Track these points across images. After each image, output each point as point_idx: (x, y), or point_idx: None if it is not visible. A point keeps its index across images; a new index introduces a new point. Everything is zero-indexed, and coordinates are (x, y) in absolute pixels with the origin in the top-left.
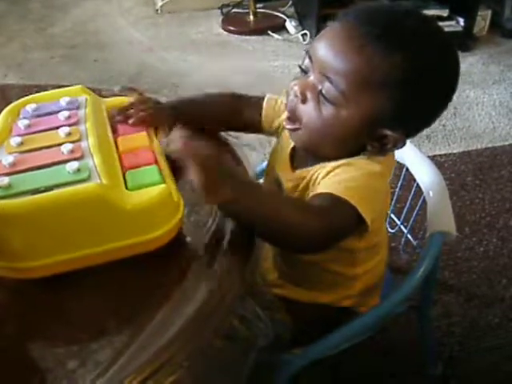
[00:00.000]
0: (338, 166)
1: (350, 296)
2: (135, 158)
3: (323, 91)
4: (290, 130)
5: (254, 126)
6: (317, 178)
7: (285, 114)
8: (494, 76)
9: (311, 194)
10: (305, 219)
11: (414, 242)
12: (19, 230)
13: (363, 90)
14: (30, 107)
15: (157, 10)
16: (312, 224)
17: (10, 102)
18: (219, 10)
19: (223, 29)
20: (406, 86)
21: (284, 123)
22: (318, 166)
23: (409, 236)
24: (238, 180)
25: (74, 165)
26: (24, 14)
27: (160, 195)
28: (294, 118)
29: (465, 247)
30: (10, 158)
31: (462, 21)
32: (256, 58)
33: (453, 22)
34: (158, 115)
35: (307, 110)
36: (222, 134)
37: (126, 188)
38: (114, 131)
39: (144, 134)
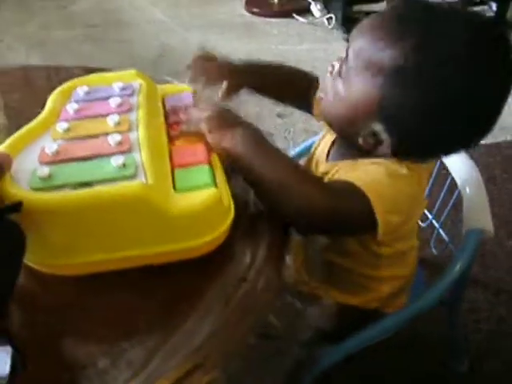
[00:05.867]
0: (362, 163)
1: (378, 298)
2: (187, 155)
3: (341, 66)
4: (318, 100)
5: (307, 107)
6: (338, 172)
7: None
8: None
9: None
10: (314, 191)
11: (446, 238)
12: (56, 226)
13: (365, 71)
14: (81, 90)
15: None
16: (319, 198)
17: (35, 84)
18: None
19: (247, 10)
20: (408, 82)
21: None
22: (341, 162)
23: (441, 231)
24: (250, 129)
25: (120, 159)
26: None
27: (209, 200)
28: (321, 88)
29: (492, 241)
30: (54, 146)
31: (494, 5)
32: (280, 41)
33: (485, 7)
34: (222, 69)
35: (327, 82)
36: None
37: (174, 188)
38: (168, 120)
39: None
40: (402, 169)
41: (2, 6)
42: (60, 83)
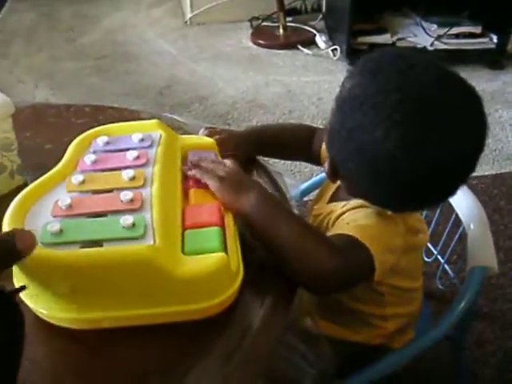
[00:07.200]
0: (352, 208)
1: (382, 335)
2: (199, 216)
3: None
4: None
5: (315, 159)
6: (331, 218)
7: None
8: None
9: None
10: (326, 253)
11: (452, 273)
12: (63, 282)
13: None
14: (101, 140)
15: (186, 22)
16: (331, 260)
17: (46, 122)
18: (248, 23)
19: (252, 42)
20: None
21: None
22: (334, 204)
23: (446, 267)
24: (264, 192)
25: (129, 219)
26: (54, 24)
27: (216, 265)
28: None
29: (498, 273)
30: (68, 200)
31: (495, 38)
32: (286, 72)
33: (486, 39)
34: (231, 140)
35: None
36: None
37: (182, 250)
38: (186, 177)
39: None
40: (385, 211)
41: (12, 39)
42: (70, 121)
